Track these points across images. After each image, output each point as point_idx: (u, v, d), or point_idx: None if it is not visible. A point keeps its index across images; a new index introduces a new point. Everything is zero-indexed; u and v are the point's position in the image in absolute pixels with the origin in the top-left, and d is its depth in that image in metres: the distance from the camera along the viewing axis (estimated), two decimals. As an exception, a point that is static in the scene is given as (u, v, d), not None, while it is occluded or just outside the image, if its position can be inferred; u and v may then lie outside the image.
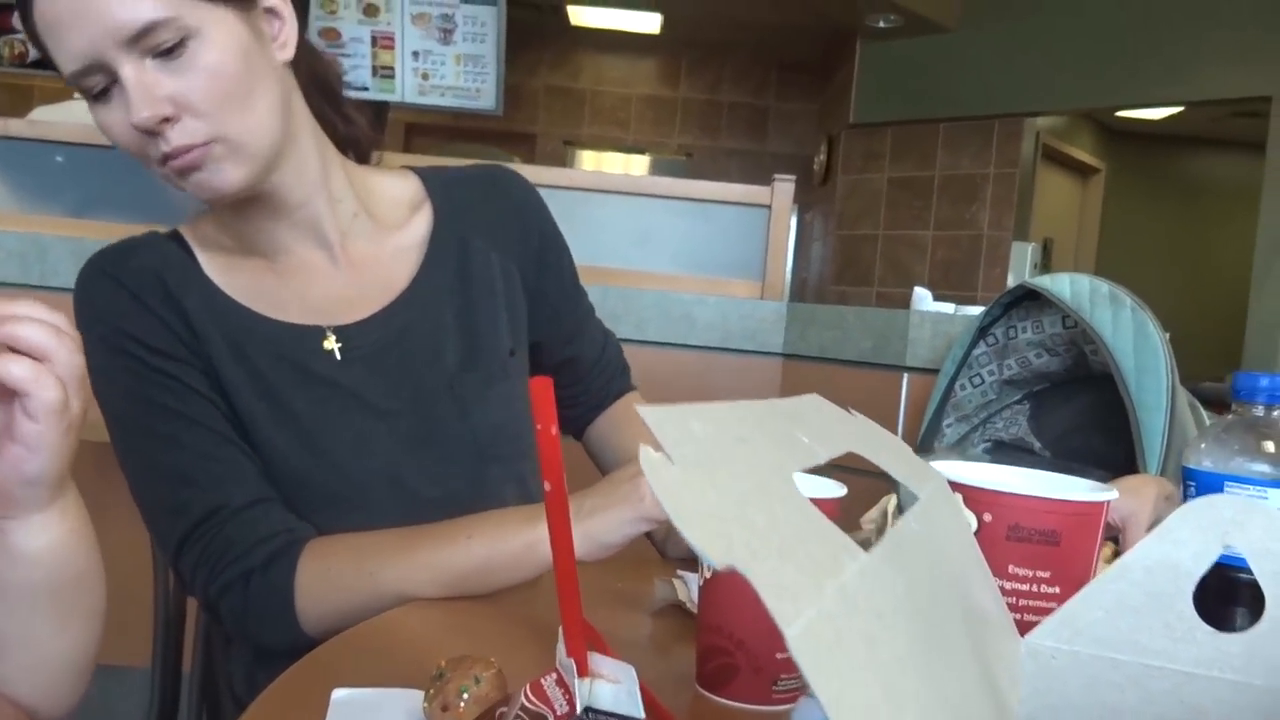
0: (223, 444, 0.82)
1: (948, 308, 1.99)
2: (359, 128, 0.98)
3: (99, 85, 0.76)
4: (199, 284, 0.87)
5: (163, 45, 0.75)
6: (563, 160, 6.53)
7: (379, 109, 3.82)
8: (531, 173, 2.37)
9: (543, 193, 2.18)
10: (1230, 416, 0.66)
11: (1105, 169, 6.15)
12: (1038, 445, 1.67)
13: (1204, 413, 1.46)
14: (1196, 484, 0.64)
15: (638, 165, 6.61)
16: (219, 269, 0.89)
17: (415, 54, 4.93)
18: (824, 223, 5.68)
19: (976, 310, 2.01)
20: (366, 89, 4.74)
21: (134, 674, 2.13)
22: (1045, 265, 5.21)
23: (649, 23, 5.81)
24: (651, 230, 2.17)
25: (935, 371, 1.87)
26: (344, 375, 0.88)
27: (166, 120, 0.75)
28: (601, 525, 0.74)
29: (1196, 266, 6.36)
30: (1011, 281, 4.93)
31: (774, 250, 2.08)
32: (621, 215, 2.18)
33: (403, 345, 0.91)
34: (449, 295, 0.95)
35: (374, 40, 4.76)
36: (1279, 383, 0.64)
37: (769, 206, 2.09)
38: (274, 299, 0.89)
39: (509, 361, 0.97)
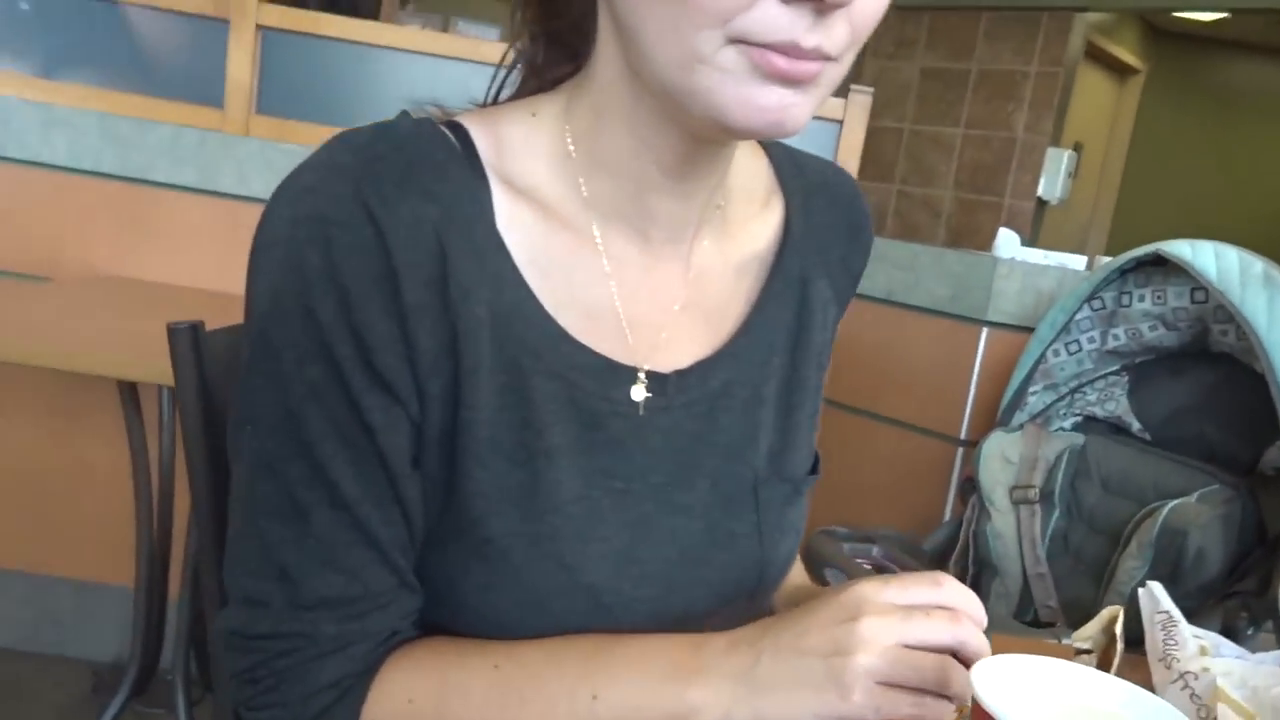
0: (359, 546, 0.54)
1: (1036, 254, 1.78)
2: None
3: None
4: (495, 269, 0.55)
5: None
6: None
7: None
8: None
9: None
10: None
11: (1145, 70, 5.82)
12: (1136, 426, 1.49)
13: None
14: None
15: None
16: (526, 241, 0.56)
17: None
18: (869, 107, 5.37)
19: (1070, 259, 1.80)
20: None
21: (113, 591, 1.98)
22: (1076, 172, 4.95)
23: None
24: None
25: (1016, 329, 1.67)
26: (640, 445, 0.59)
27: (839, 6, 0.48)
28: (778, 709, 0.50)
29: (1237, 175, 6.11)
30: (1042, 189, 4.69)
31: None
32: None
33: (715, 415, 0.62)
34: (780, 353, 0.65)
35: (374, -125, 4.32)
36: None
37: (841, 121, 1.84)
38: (586, 309, 0.58)
39: (807, 478, 0.68)
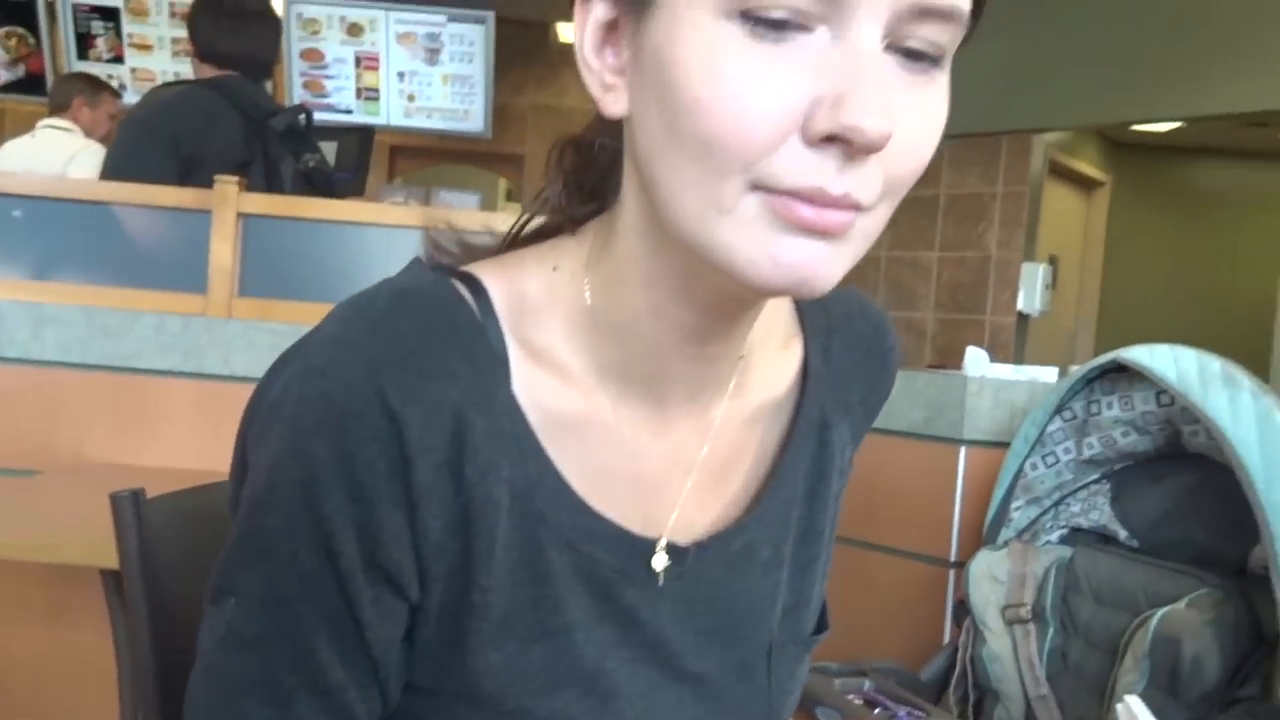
0: None
1: (1005, 370, 1.81)
2: None
3: (788, 18, 0.43)
4: (514, 441, 0.52)
5: (924, 50, 0.46)
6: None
7: (365, 135, 3.63)
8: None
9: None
10: None
11: (1110, 182, 6.01)
12: (1123, 534, 1.48)
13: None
14: None
15: (629, 184, 6.42)
16: (543, 407, 0.54)
17: (401, 75, 4.74)
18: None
19: (1041, 372, 1.83)
20: (350, 112, 4.55)
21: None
22: (1053, 285, 5.05)
23: (640, 39, 5.62)
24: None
25: (996, 445, 1.68)
26: (654, 615, 0.57)
27: (872, 151, 0.44)
28: None
29: (1209, 278, 6.23)
30: (1022, 303, 4.77)
31: (809, 306, 1.88)
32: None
33: (734, 581, 0.60)
34: (799, 506, 0.63)
35: (358, 61, 4.57)
36: None
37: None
38: (603, 477, 0.56)
39: (814, 638, 0.67)
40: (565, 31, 5.72)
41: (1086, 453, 1.52)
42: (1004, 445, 1.62)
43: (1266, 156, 4.90)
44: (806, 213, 0.44)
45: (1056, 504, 1.57)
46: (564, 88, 6.50)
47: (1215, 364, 1.31)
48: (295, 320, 0.67)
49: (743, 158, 0.44)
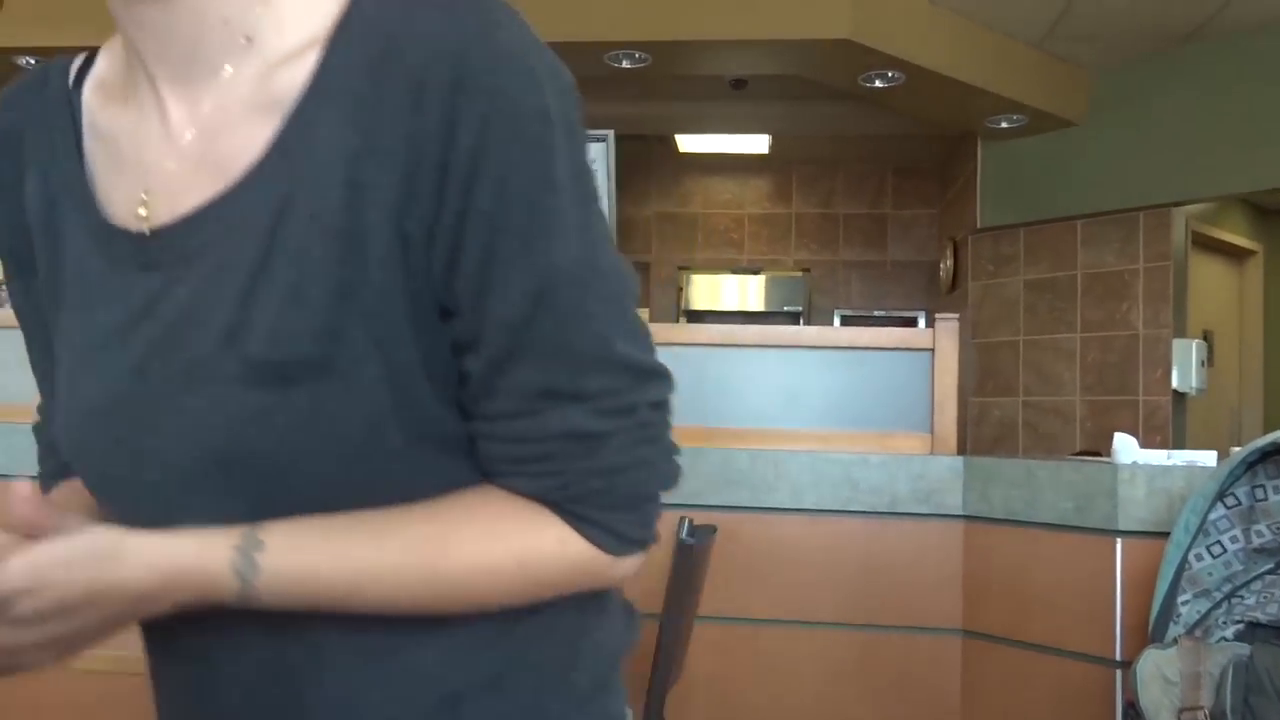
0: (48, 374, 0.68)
1: (1158, 455, 1.72)
2: None
3: None
4: (65, 146, 0.62)
5: None
6: (677, 286, 6.45)
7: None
8: (663, 332, 2.21)
9: (676, 351, 1.98)
10: None
11: (1261, 250, 5.70)
12: (1308, 628, 1.37)
13: None
14: None
15: (754, 285, 6.48)
16: (91, 117, 0.63)
17: (527, 196, 4.96)
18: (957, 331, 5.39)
19: (1198, 456, 1.73)
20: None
21: None
22: (1209, 361, 4.78)
23: (757, 144, 5.75)
24: (800, 385, 1.97)
25: (1155, 535, 1.59)
26: (104, 292, 0.60)
27: None
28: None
29: (1382, 348, 5.79)
30: (1176, 382, 4.52)
31: (941, 398, 1.85)
32: (765, 370, 1.99)
33: (190, 272, 0.57)
34: (273, 214, 0.55)
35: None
36: None
37: (932, 350, 1.88)
38: (117, 165, 0.61)
39: (332, 356, 0.54)
40: (686, 143, 5.89)
41: (1256, 541, 1.42)
42: (1163, 535, 1.53)
43: None
44: None
45: (1228, 596, 1.47)
46: (686, 196, 6.66)
47: (1391, 440, 1.22)
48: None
49: None
